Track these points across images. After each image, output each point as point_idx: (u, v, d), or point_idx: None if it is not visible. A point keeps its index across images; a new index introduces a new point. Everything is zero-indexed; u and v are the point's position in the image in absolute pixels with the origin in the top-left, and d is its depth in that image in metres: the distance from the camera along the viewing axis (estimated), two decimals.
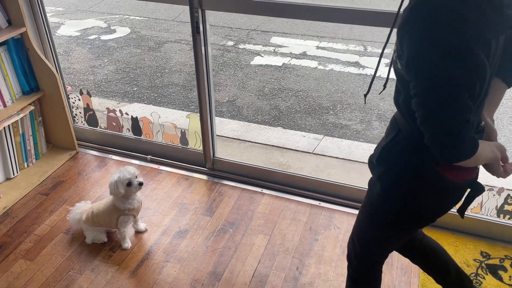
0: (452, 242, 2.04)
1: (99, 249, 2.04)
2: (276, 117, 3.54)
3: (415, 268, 1.92)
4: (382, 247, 1.34)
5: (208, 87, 2.29)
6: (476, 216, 2.05)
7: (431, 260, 1.52)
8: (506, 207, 1.99)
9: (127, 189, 1.92)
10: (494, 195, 1.99)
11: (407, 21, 0.97)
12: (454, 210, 2.06)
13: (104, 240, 2.06)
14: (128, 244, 2.04)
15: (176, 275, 1.91)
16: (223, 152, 2.88)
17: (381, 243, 1.33)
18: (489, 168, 1.07)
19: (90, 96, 2.67)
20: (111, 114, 2.66)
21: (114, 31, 5.31)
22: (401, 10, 1.09)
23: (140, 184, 1.95)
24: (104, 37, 5.11)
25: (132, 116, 2.62)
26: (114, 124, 2.68)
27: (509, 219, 2.02)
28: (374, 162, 1.20)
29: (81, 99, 2.68)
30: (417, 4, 0.96)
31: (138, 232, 2.13)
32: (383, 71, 4.18)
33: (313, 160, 2.85)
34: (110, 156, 2.67)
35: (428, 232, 2.08)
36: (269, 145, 3.04)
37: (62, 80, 2.59)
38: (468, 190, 1.18)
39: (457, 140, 0.94)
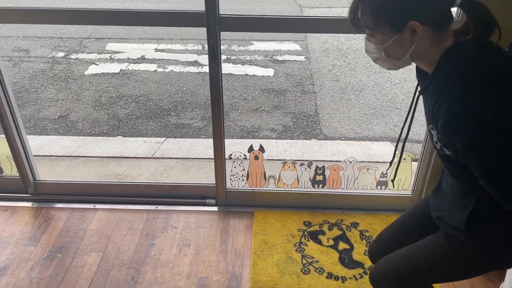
0: (279, 218, 2.20)
1: None
2: (115, 126, 3.40)
3: (248, 250, 2.03)
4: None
5: (8, 101, 2.07)
6: (296, 190, 2.24)
7: None
8: (318, 177, 2.22)
9: None
10: (306, 169, 2.20)
11: (452, 122, 0.95)
12: (276, 188, 2.23)
13: None
14: None
15: None
16: (52, 172, 2.66)
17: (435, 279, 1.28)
18: None
19: None
20: None
21: None
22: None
23: None
24: None
25: None
26: None
27: (322, 187, 2.25)
28: (459, 229, 1.13)
29: None
30: (454, 100, 0.95)
31: None
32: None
33: (152, 165, 2.81)
34: None
35: (260, 212, 2.22)
36: (105, 157, 2.90)
37: None
38: None
39: None
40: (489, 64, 0.96)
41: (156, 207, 2.29)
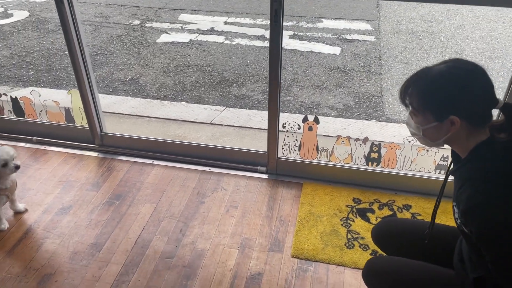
0: (328, 192, 2.17)
1: None
2: (180, 92, 3.52)
3: (293, 219, 2.04)
4: None
5: (84, 59, 2.23)
6: (348, 166, 2.20)
7: None
8: (372, 155, 2.16)
9: (1, 169, 1.84)
10: (360, 144, 2.14)
11: (469, 212, 1.02)
12: (328, 162, 2.19)
13: None
14: (4, 225, 1.96)
15: (54, 250, 1.88)
16: (118, 128, 2.83)
17: None
18: None
19: None
20: None
21: (11, 15, 4.98)
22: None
23: (17, 167, 1.88)
24: (0, 22, 4.78)
25: (11, 97, 2.49)
26: None
27: (376, 166, 2.18)
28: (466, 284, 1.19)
29: None
30: (474, 193, 1.02)
31: (18, 213, 2.06)
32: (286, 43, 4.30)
33: (210, 130, 2.89)
34: None
35: (310, 184, 2.21)
36: (167, 119, 3.03)
37: None
38: None
39: None
40: None
41: (209, 169, 2.36)
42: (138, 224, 2.02)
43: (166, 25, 4.73)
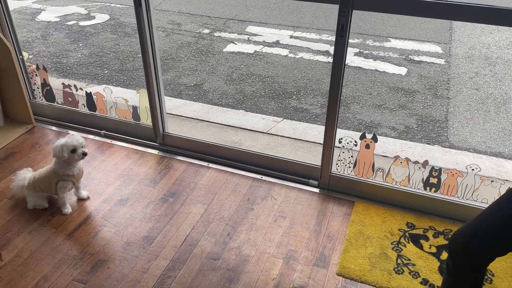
0: (381, 213, 2.11)
1: (39, 214, 2.11)
2: (240, 101, 3.60)
3: (341, 236, 2.00)
4: None
5: (154, 62, 2.36)
6: (405, 189, 2.12)
7: None
8: (432, 180, 2.07)
9: (70, 155, 1.99)
10: (419, 168, 2.06)
11: None
12: (383, 182, 2.14)
13: (45, 206, 2.13)
14: (67, 209, 2.11)
15: (110, 238, 1.99)
16: (179, 130, 2.95)
17: None
18: None
19: (46, 71, 2.73)
20: (67, 89, 2.73)
21: (94, 17, 5.38)
22: None
23: (84, 154, 2.02)
24: (83, 23, 5.17)
25: (86, 92, 2.69)
26: (70, 99, 2.75)
27: (435, 191, 2.09)
28: None
29: (38, 75, 2.75)
30: None
31: (80, 200, 2.20)
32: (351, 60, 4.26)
33: (265, 139, 2.93)
34: (65, 130, 2.75)
35: (362, 203, 2.16)
36: (225, 125, 3.11)
37: (18, 54, 2.65)
38: None
39: None
40: None
41: (261, 177, 2.38)
42: (188, 223, 2.08)
43: (233, 36, 4.88)
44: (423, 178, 2.08)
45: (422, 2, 1.69)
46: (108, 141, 2.66)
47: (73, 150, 1.98)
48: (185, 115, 3.24)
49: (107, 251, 1.92)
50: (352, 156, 2.17)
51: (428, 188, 2.09)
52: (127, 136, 2.67)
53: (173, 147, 2.59)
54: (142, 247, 1.94)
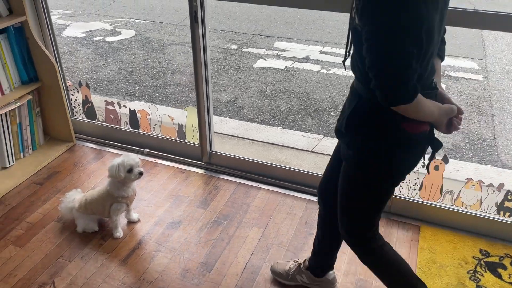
0: (450, 239, 1.99)
1: (90, 237, 2.01)
2: (277, 118, 3.51)
3: (412, 265, 1.87)
4: (371, 210, 1.38)
5: (206, 81, 2.28)
6: (476, 213, 2.00)
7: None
8: (506, 204, 1.95)
9: (126, 175, 1.90)
10: (494, 191, 1.94)
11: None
12: (451, 206, 2.02)
13: (95, 229, 2.03)
14: (119, 233, 2.01)
15: (166, 264, 1.88)
16: (221, 148, 2.85)
17: (369, 207, 1.37)
18: (436, 126, 1.21)
19: (89, 88, 2.67)
20: (109, 106, 2.65)
21: (119, 33, 5.35)
22: None
23: (141, 173, 1.93)
24: (109, 39, 5.15)
25: (130, 109, 2.61)
26: (112, 117, 2.67)
27: (509, 216, 1.97)
28: (342, 131, 1.27)
29: (80, 91, 2.68)
30: None
31: (131, 222, 2.10)
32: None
33: (312, 158, 2.82)
34: (106, 149, 2.66)
35: (428, 228, 2.04)
36: (268, 143, 3.01)
37: (62, 72, 2.59)
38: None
39: (399, 82, 1.04)
40: None
41: (316, 199, 2.27)
42: (246, 248, 1.97)
43: (262, 51, 4.82)
44: (496, 202, 1.96)
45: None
46: (152, 159, 2.57)
47: (130, 170, 1.89)
48: (223, 133, 3.15)
49: (165, 278, 1.81)
50: (418, 178, 2.05)
51: (502, 213, 1.97)
52: (171, 155, 2.57)
53: (219, 166, 2.49)
54: (202, 274, 1.83)
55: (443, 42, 1.27)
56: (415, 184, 2.07)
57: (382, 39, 1.02)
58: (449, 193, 2.03)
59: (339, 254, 1.93)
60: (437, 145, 1.27)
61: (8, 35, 2.30)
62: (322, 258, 1.71)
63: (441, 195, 2.04)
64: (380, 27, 1.02)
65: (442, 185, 2.02)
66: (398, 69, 1.03)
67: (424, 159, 1.36)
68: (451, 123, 1.21)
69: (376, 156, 1.24)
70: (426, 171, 1.43)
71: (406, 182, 2.09)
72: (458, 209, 2.02)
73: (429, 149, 1.33)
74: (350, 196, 1.37)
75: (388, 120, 1.17)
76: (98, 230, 2.04)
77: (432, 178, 2.02)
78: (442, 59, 1.29)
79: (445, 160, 1.97)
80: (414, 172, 2.06)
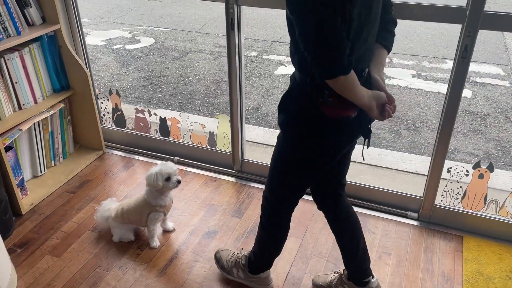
0: (495, 250, 1.93)
1: (126, 247, 1.98)
2: None
3: (458, 277, 1.82)
4: (293, 188, 1.54)
5: (240, 88, 2.26)
6: None
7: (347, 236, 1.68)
8: None
9: (164, 183, 1.87)
10: None
11: None
12: (496, 215, 1.96)
13: (132, 239, 2.00)
14: (156, 243, 1.98)
15: (206, 275, 1.84)
16: (250, 156, 2.82)
17: (292, 185, 1.52)
18: (368, 112, 1.24)
19: (119, 96, 2.66)
20: (139, 114, 2.64)
21: (139, 41, 5.38)
22: None
23: (179, 182, 1.90)
24: (129, 47, 5.17)
25: (160, 117, 2.60)
26: (142, 124, 2.66)
27: None
28: (278, 110, 1.37)
29: (110, 99, 2.67)
30: None
31: (166, 232, 2.07)
32: (410, 82, 4.12)
33: None
34: (136, 157, 2.64)
35: (472, 239, 1.98)
36: None
37: (92, 80, 2.59)
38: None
39: (334, 52, 1.09)
40: None
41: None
42: (286, 259, 1.93)
43: (282, 58, 4.80)
44: None
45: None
46: (182, 168, 2.54)
47: (168, 178, 1.86)
48: (250, 140, 3.12)
49: None
50: (461, 187, 2.00)
51: None
52: (201, 163, 2.55)
53: (251, 174, 2.46)
54: (243, 286, 1.79)
55: (390, 32, 1.33)
56: (458, 193, 2.02)
57: (309, 17, 1.08)
58: (494, 202, 1.97)
59: (381, 265, 1.89)
60: (364, 132, 1.35)
61: (41, 44, 2.31)
62: (353, 261, 1.69)
63: (485, 204, 1.98)
64: (303, 7, 1.09)
65: (487, 194, 1.97)
66: (330, 39, 1.09)
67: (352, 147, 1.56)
68: (384, 109, 1.24)
69: (301, 138, 1.34)
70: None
71: (448, 191, 2.04)
72: (503, 219, 1.96)
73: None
74: (275, 164, 1.49)
75: (312, 103, 1.24)
76: (134, 239, 2.01)
77: (475, 187, 1.97)
78: (388, 50, 1.34)
79: (491, 168, 1.92)
80: (457, 181, 2.01)
